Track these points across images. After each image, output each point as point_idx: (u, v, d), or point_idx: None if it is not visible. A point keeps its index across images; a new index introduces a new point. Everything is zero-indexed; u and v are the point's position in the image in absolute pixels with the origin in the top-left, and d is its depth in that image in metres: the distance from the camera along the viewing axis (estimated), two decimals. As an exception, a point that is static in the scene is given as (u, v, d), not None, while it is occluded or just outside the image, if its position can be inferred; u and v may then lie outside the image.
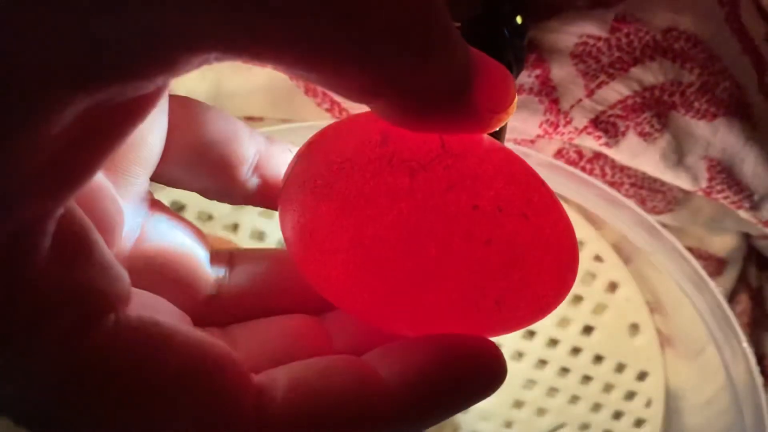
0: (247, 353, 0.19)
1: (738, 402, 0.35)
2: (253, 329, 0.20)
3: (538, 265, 0.17)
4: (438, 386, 0.16)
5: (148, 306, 0.18)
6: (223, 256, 0.21)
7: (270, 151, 0.20)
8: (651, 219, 0.31)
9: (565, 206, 0.18)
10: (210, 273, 0.20)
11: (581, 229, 0.39)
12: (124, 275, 0.15)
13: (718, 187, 0.32)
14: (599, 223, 0.39)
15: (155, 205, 0.20)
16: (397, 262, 0.17)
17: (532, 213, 0.17)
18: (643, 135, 0.31)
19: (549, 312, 0.18)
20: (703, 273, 0.32)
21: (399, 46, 0.13)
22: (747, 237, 0.40)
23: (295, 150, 0.20)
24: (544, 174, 0.18)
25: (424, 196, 0.16)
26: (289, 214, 0.18)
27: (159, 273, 0.19)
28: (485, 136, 0.18)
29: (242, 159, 0.20)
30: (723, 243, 0.39)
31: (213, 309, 0.20)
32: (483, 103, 0.15)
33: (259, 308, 0.20)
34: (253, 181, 0.20)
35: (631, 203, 0.31)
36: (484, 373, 0.17)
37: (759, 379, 0.34)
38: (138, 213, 0.19)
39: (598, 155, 0.33)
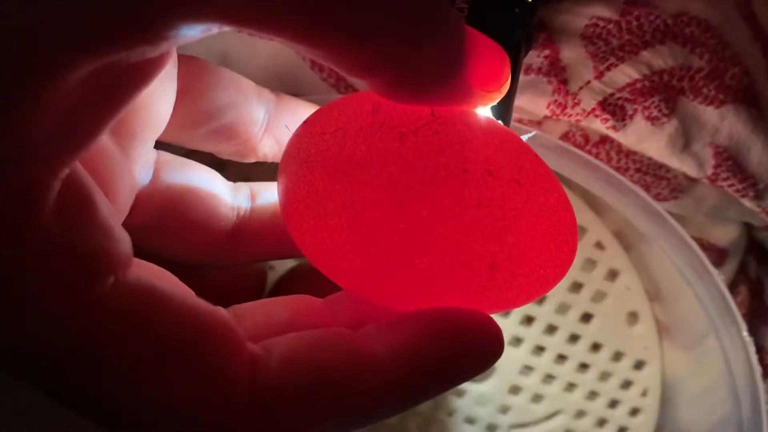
0: (252, 329, 0.19)
1: (736, 392, 0.35)
2: (259, 307, 0.20)
3: (531, 230, 0.17)
4: (430, 359, 0.16)
5: (151, 274, 0.18)
6: (243, 191, 0.22)
7: (280, 108, 0.21)
8: (656, 205, 0.31)
9: (568, 192, 0.18)
10: (231, 207, 0.21)
11: (583, 215, 0.39)
12: (126, 238, 0.15)
13: (724, 175, 0.32)
14: (601, 209, 0.39)
15: (163, 162, 0.20)
16: (388, 224, 0.17)
17: (524, 179, 0.17)
18: (650, 119, 0.31)
19: (549, 287, 0.18)
20: (706, 261, 0.32)
21: (397, 25, 0.14)
22: (748, 228, 0.40)
23: (291, 128, 0.20)
24: (549, 156, 0.19)
25: (414, 158, 0.17)
26: (284, 185, 0.19)
27: (179, 212, 0.20)
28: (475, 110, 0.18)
29: (253, 120, 0.20)
30: (725, 233, 0.39)
31: (234, 244, 0.21)
32: (476, 82, 0.16)
33: (278, 244, 0.21)
34: (265, 143, 0.21)
35: (637, 188, 0.31)
36: (478, 347, 0.17)
37: (758, 369, 0.34)
38: (145, 175, 0.20)
39: (604, 140, 0.33)
